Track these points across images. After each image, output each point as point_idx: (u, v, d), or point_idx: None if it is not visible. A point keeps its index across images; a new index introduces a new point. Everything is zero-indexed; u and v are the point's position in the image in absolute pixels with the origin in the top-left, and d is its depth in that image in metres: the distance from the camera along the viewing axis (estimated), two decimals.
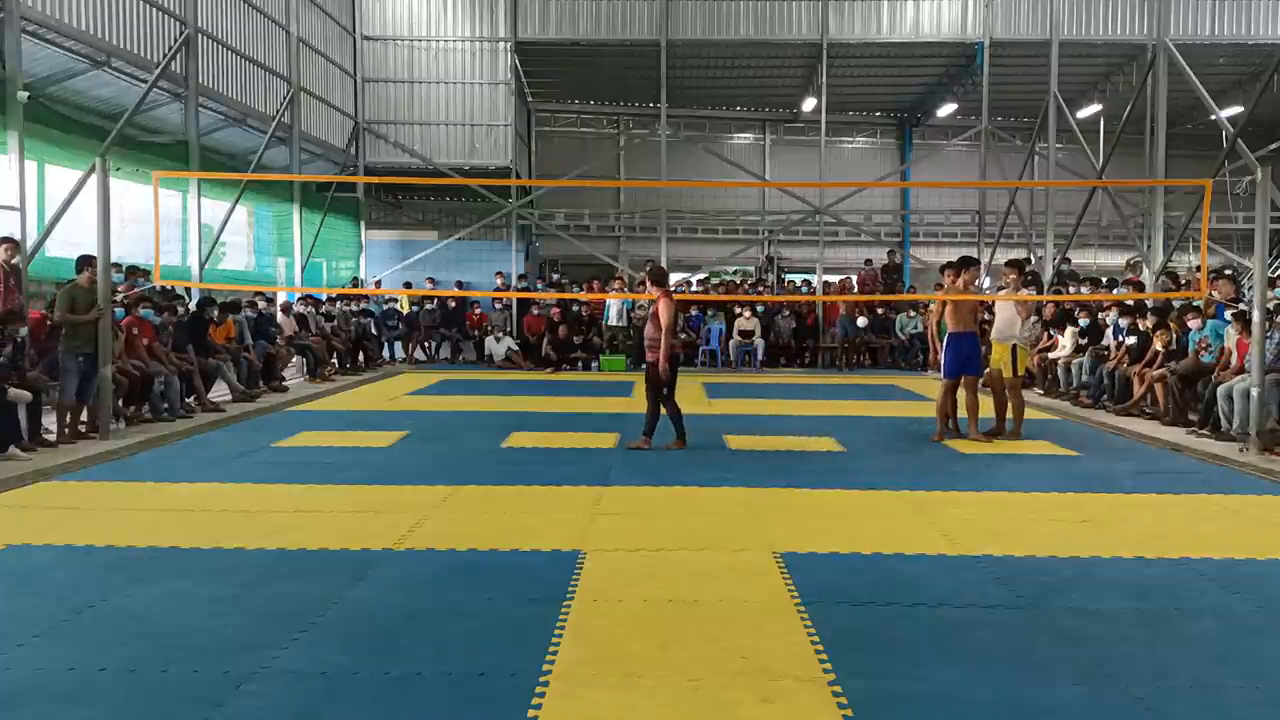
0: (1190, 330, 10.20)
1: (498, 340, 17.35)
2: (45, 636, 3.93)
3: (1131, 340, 11.32)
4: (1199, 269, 12.35)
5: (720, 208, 24.86)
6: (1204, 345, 9.90)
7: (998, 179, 20.85)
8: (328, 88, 18.29)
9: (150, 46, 12.20)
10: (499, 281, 18.81)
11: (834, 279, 20.41)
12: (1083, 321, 12.90)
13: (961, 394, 9.39)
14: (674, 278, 21.33)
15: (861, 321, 17.60)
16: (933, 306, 9.72)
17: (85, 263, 8.66)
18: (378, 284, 19.33)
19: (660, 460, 8.06)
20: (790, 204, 21.78)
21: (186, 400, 10.28)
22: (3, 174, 9.57)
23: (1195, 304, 10.64)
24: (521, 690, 3.43)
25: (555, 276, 21.25)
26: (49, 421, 8.48)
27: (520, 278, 19.89)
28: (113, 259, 9.16)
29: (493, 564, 5.03)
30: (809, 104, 21.72)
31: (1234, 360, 9.36)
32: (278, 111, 15.68)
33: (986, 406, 9.57)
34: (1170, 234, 17.31)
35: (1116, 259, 23.77)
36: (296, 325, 14.43)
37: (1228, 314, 9.82)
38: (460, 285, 18.97)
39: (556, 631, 4.01)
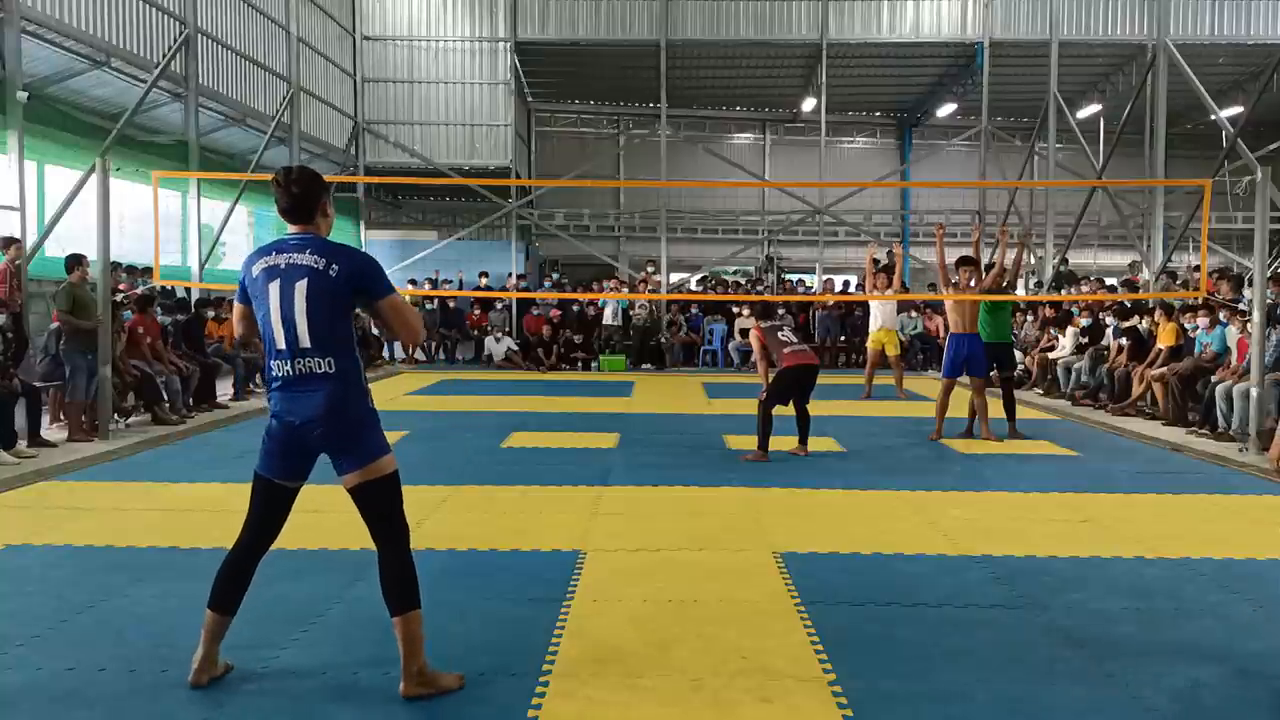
0: (1199, 331, 10.17)
1: (497, 340, 17.37)
2: (45, 636, 3.93)
3: (1103, 341, 11.38)
4: (1197, 269, 12.36)
5: (720, 208, 24.87)
6: (1207, 354, 9.88)
7: (998, 179, 20.87)
8: (328, 88, 18.30)
9: (150, 46, 12.21)
10: (482, 282, 18.59)
11: (852, 278, 20.36)
12: (1083, 321, 12.91)
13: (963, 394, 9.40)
14: (674, 278, 21.47)
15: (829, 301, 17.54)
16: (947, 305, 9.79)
17: (75, 262, 8.65)
18: None
19: (660, 460, 8.06)
20: (790, 204, 21.80)
21: (187, 400, 10.28)
22: (3, 174, 9.58)
23: (1194, 303, 10.63)
24: (521, 690, 3.43)
25: (556, 276, 21.25)
26: (46, 421, 8.48)
27: (520, 278, 19.88)
28: (111, 259, 9.15)
29: (493, 564, 5.04)
30: (809, 104, 21.73)
31: (1234, 360, 9.37)
32: (278, 111, 15.69)
33: (995, 406, 9.56)
34: (1170, 234, 17.32)
35: (1116, 259, 23.79)
36: None
37: (1222, 315, 9.84)
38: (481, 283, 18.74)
39: (556, 631, 4.01)
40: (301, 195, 3.34)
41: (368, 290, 3.28)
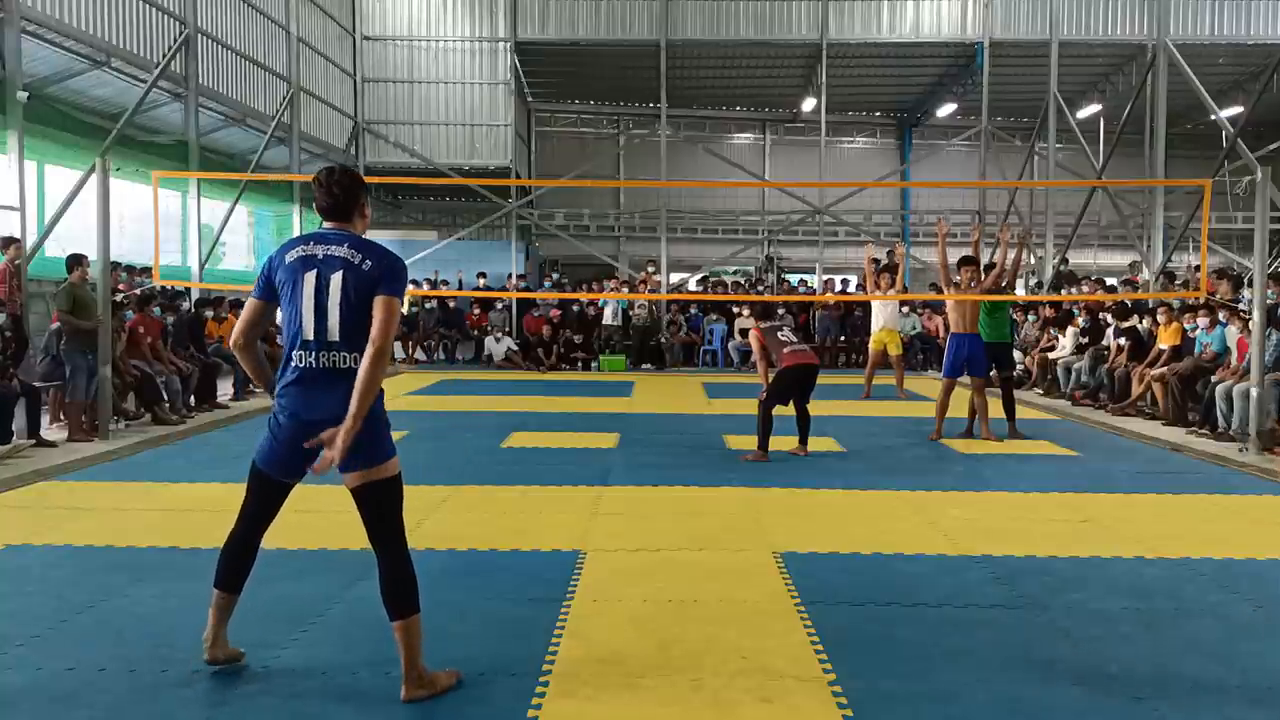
0: (1200, 330, 10.17)
1: (497, 340, 17.36)
2: (45, 636, 3.93)
3: (1103, 341, 11.39)
4: (1197, 269, 12.36)
5: (720, 208, 24.88)
6: (1208, 355, 9.88)
7: (998, 179, 20.87)
8: (328, 88, 18.31)
9: (150, 46, 12.22)
10: (480, 282, 18.58)
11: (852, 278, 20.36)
12: (1082, 321, 12.91)
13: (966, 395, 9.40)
14: (674, 278, 21.47)
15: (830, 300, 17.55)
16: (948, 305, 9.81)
17: (75, 262, 8.66)
18: None
19: (660, 460, 8.06)
20: (790, 204, 21.81)
21: (187, 400, 10.28)
22: (3, 174, 9.58)
23: (1195, 303, 10.64)
24: (521, 690, 3.43)
25: (556, 276, 21.24)
26: (45, 421, 8.48)
27: (520, 278, 19.87)
28: (111, 259, 9.15)
29: (493, 564, 5.04)
30: (809, 104, 21.74)
31: (1234, 360, 9.37)
32: (278, 111, 15.69)
33: (995, 406, 9.56)
34: (1170, 234, 17.32)
35: (1116, 259, 23.80)
36: None
37: (1222, 315, 9.83)
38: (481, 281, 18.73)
39: (556, 631, 4.01)
40: (342, 196, 3.37)
41: (385, 284, 3.22)
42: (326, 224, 3.40)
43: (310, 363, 3.24)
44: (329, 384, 3.22)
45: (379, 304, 3.20)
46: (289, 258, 3.30)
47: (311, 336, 3.23)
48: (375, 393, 3.17)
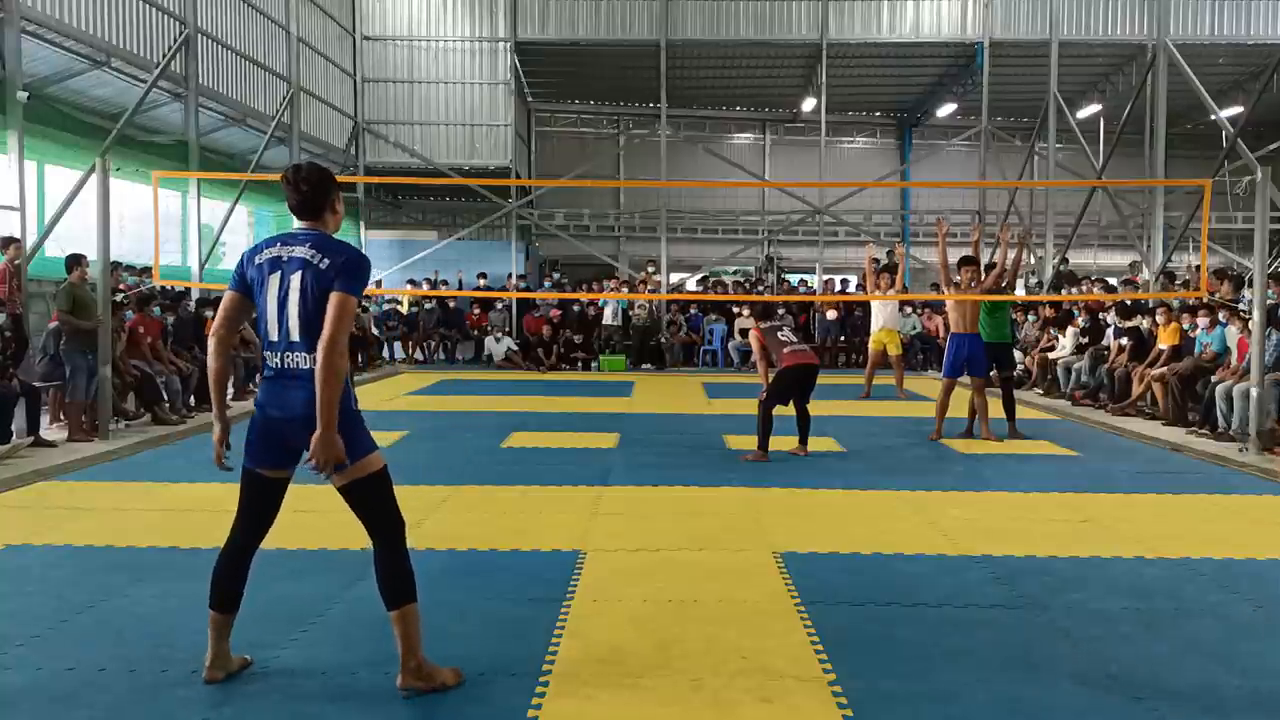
0: (1200, 330, 10.17)
1: (497, 340, 17.36)
2: (45, 636, 3.93)
3: (1103, 341, 11.39)
4: (1197, 269, 12.36)
5: (720, 208, 24.86)
6: (1208, 355, 9.88)
7: (998, 179, 20.85)
8: (328, 88, 18.30)
9: (150, 46, 12.21)
10: (481, 283, 18.54)
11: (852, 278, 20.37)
12: (1083, 321, 12.91)
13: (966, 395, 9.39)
14: (674, 278, 21.47)
15: (831, 314, 17.55)
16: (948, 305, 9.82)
17: (75, 261, 8.66)
18: (378, 284, 19.32)
19: (660, 460, 8.06)
20: (790, 204, 21.79)
21: (187, 400, 10.27)
22: (3, 174, 9.58)
23: (1195, 303, 10.63)
24: (521, 690, 3.43)
25: (556, 276, 21.24)
26: (45, 421, 8.47)
27: (520, 278, 19.87)
28: (111, 259, 9.14)
29: (493, 564, 5.04)
30: (809, 104, 21.73)
31: (1234, 360, 9.37)
32: (278, 111, 15.69)
33: (995, 406, 9.56)
34: (1170, 234, 17.32)
35: (1116, 259, 23.78)
36: None
37: (1222, 315, 9.83)
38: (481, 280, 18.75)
39: (556, 631, 4.01)
40: (310, 193, 3.38)
41: (340, 281, 3.20)
42: (298, 223, 3.43)
43: (276, 363, 3.30)
44: (292, 383, 3.26)
45: (330, 301, 3.19)
46: (258, 259, 3.35)
47: (276, 337, 3.28)
48: (337, 392, 3.14)
